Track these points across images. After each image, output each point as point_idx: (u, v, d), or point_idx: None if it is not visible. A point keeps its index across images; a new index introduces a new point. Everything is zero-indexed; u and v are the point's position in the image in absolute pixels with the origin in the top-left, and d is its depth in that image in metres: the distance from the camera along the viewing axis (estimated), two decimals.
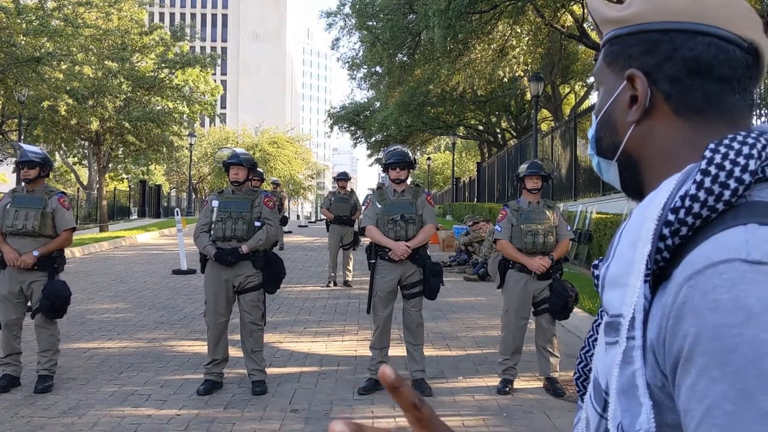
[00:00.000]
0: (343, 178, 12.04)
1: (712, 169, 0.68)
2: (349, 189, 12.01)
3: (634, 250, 0.70)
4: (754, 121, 0.81)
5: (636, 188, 0.85)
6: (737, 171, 0.67)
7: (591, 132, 0.90)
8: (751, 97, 0.80)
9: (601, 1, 0.88)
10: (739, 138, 0.70)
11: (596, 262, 0.82)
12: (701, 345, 0.61)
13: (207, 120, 56.21)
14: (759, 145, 0.69)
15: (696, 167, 0.69)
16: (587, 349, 0.87)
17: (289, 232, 24.51)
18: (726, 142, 0.70)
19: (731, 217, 0.66)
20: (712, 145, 0.70)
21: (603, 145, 0.87)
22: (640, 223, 0.70)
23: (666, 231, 0.68)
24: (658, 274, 0.68)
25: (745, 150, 0.69)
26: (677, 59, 0.78)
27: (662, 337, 0.65)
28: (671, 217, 0.68)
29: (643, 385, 0.66)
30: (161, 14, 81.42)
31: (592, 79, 24.97)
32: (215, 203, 5.65)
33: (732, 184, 0.67)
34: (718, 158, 0.68)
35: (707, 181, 0.67)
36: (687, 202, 0.67)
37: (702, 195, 0.67)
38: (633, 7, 0.82)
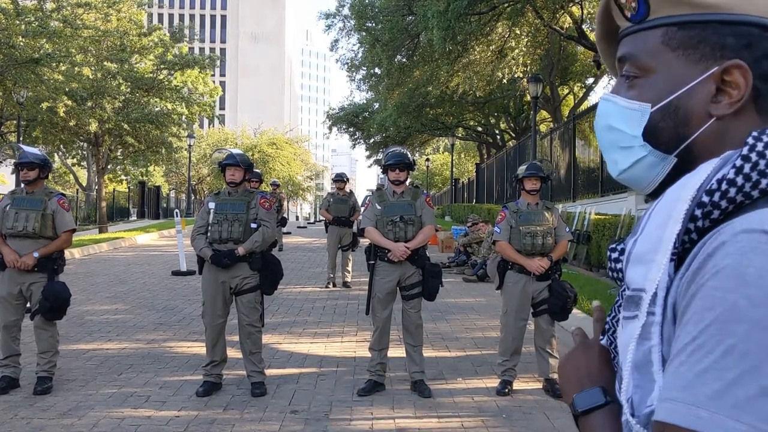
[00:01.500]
0: (341, 179, 12.04)
1: (753, 156, 0.68)
2: (347, 190, 12.00)
3: (663, 229, 0.71)
4: None
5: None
6: None
7: (630, 123, 0.83)
8: None
9: None
10: None
11: (613, 245, 0.82)
12: (692, 303, 0.64)
13: (206, 121, 56.18)
14: None
15: (736, 153, 0.70)
16: (612, 330, 0.90)
17: (288, 233, 24.50)
18: None
19: (763, 203, 0.67)
20: (755, 133, 0.70)
21: (660, 137, 0.81)
22: (673, 203, 0.71)
23: (698, 212, 0.68)
24: (682, 254, 0.69)
25: None
26: None
27: (679, 303, 0.67)
28: (705, 199, 0.68)
29: (659, 362, 0.68)
30: (160, 15, 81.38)
31: (591, 80, 25.07)
32: (211, 205, 5.65)
33: None
34: (760, 146, 0.68)
35: (747, 167, 0.68)
36: (723, 186, 0.68)
37: (740, 180, 0.67)
38: None
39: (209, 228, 5.57)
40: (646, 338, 0.69)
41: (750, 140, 0.69)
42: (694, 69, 0.78)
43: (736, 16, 0.76)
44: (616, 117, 0.84)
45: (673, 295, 0.68)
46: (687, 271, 0.67)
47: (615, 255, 0.82)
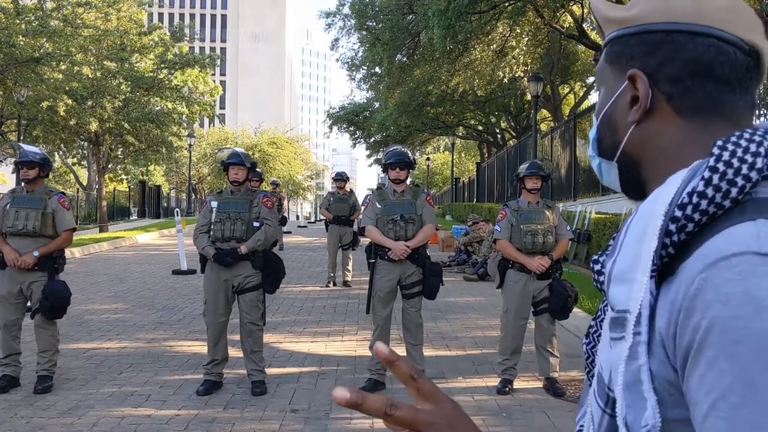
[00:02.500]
0: (341, 178, 12.04)
1: (720, 167, 0.68)
2: (348, 189, 12.01)
3: (640, 246, 0.70)
4: (754, 121, 0.81)
5: (637, 189, 0.85)
6: (745, 168, 0.67)
7: (592, 133, 0.90)
8: (753, 98, 0.80)
9: (604, 2, 0.88)
10: (746, 136, 0.70)
11: (596, 256, 0.82)
12: (711, 338, 0.61)
13: (206, 120, 56.22)
14: (766, 143, 0.69)
15: (703, 164, 0.70)
16: (592, 345, 0.87)
17: (289, 232, 24.50)
18: (733, 139, 0.70)
19: (738, 213, 0.66)
20: (720, 143, 0.70)
21: (603, 146, 0.87)
22: (647, 219, 0.71)
23: (672, 227, 0.68)
24: (662, 269, 0.68)
25: (753, 148, 0.69)
26: (678, 60, 0.78)
27: (672, 332, 0.66)
28: (678, 213, 0.68)
29: (648, 381, 0.67)
30: (160, 14, 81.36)
31: (591, 79, 25.18)
32: (214, 204, 5.65)
33: (740, 181, 0.67)
34: (726, 155, 0.68)
35: (715, 178, 0.67)
36: (695, 199, 0.67)
37: (710, 192, 0.67)
38: (636, 8, 0.82)
39: (212, 227, 5.58)
40: (634, 358, 0.68)
41: (716, 150, 0.69)
42: (618, 81, 0.83)
43: (640, 27, 0.81)
44: (591, 131, 0.91)
45: (662, 318, 0.66)
46: (676, 296, 0.65)
47: (597, 267, 0.83)
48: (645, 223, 0.71)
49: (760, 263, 0.61)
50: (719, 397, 0.60)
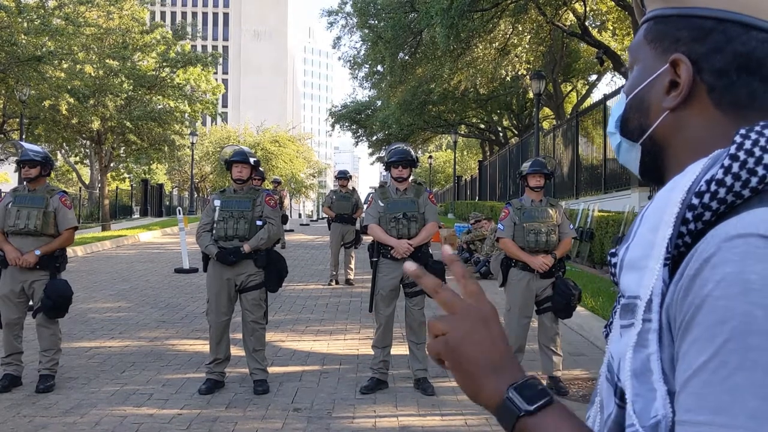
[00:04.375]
0: (343, 176, 12.03)
1: (741, 155, 0.66)
2: (350, 187, 12.00)
3: (655, 234, 0.69)
4: None
5: (655, 174, 0.83)
6: (767, 158, 0.66)
7: (616, 110, 0.86)
8: None
9: None
10: None
11: (613, 250, 0.81)
12: (698, 316, 0.61)
13: (208, 119, 56.16)
14: None
15: (724, 152, 0.68)
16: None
17: (291, 230, 24.50)
18: (757, 129, 0.68)
19: (756, 202, 0.65)
20: (743, 131, 0.68)
21: (629, 126, 0.84)
22: (663, 207, 0.69)
23: (689, 215, 0.67)
24: (677, 258, 0.67)
25: None
26: (728, 52, 0.74)
27: (673, 312, 0.65)
28: (695, 201, 0.66)
29: (658, 370, 0.66)
30: (162, 13, 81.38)
31: (594, 77, 25.07)
32: (217, 202, 5.64)
33: (760, 171, 0.65)
34: (748, 144, 0.67)
35: (735, 166, 0.66)
36: (713, 187, 0.66)
37: (729, 180, 0.65)
38: None
39: (215, 225, 5.57)
40: (644, 345, 0.67)
41: (738, 138, 0.67)
42: (657, 62, 0.79)
43: (691, 10, 0.76)
44: (616, 106, 0.88)
45: (667, 301, 0.66)
46: (682, 278, 0.65)
47: (615, 260, 0.81)
48: (661, 211, 0.69)
49: (762, 246, 0.60)
50: (693, 374, 0.60)
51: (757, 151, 0.66)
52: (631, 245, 0.73)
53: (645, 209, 0.73)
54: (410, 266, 0.80)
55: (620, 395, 0.71)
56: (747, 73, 0.74)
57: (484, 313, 0.77)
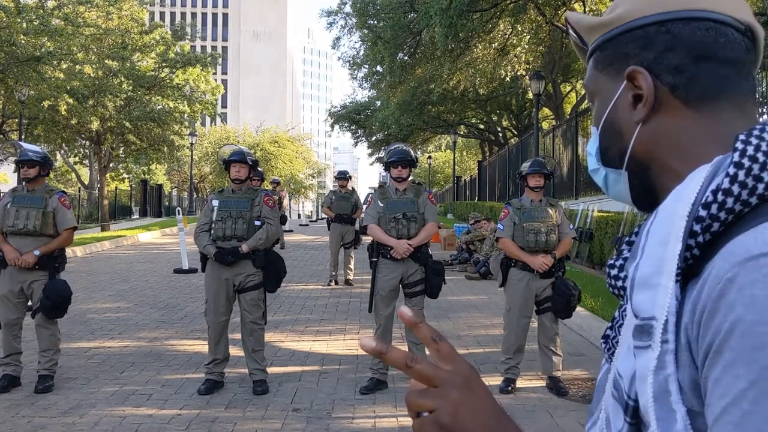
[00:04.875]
0: (343, 176, 12.03)
1: (746, 162, 0.65)
2: (350, 188, 12.01)
3: (664, 249, 0.67)
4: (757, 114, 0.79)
5: (649, 197, 0.82)
6: None
7: (592, 146, 0.86)
8: (753, 81, 0.78)
9: (581, 14, 0.86)
10: None
11: (611, 261, 0.79)
12: (731, 341, 0.59)
13: (208, 119, 56.18)
14: None
15: (726, 159, 0.66)
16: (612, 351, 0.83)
17: (290, 231, 24.50)
18: (756, 133, 0.67)
19: (765, 210, 0.63)
20: (742, 137, 0.67)
21: (609, 155, 0.83)
22: (670, 220, 0.68)
23: (697, 227, 0.65)
24: (686, 271, 0.66)
25: None
26: (679, 48, 0.76)
27: (695, 333, 0.63)
28: (702, 213, 0.65)
29: (676, 391, 0.64)
30: (162, 13, 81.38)
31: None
32: (215, 202, 5.63)
33: (766, 177, 0.64)
34: (750, 150, 0.65)
35: (741, 174, 0.64)
36: (720, 197, 0.64)
37: (736, 189, 0.64)
38: (619, 8, 0.80)
39: (213, 225, 5.56)
40: (662, 368, 0.65)
41: (739, 145, 0.66)
42: (614, 84, 0.81)
43: (630, 24, 0.78)
44: (590, 145, 0.88)
45: (685, 321, 0.64)
46: (701, 298, 0.63)
47: (614, 272, 0.79)
48: (668, 225, 0.67)
49: None
50: (731, 402, 0.58)
51: (761, 157, 0.64)
52: (641, 262, 0.70)
53: (650, 223, 0.71)
54: (406, 312, 0.73)
55: (631, 413, 0.69)
56: (705, 62, 0.75)
57: (466, 377, 0.72)
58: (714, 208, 0.64)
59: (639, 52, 0.78)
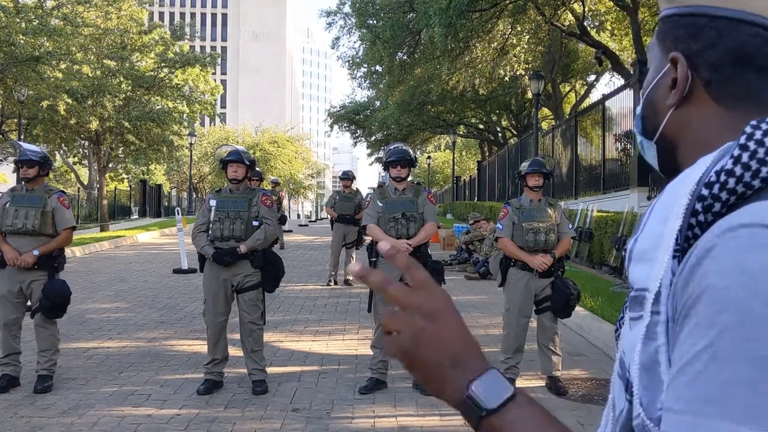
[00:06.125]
0: (347, 177, 12.07)
1: (752, 145, 0.66)
2: (354, 188, 12.05)
3: (664, 225, 0.69)
4: None
5: (673, 172, 0.83)
6: None
7: (639, 108, 0.89)
8: None
9: None
10: None
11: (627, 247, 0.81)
12: (698, 305, 0.61)
13: (207, 119, 56.17)
14: None
15: (734, 144, 0.67)
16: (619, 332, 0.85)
17: (290, 231, 24.49)
18: None
19: (766, 194, 0.64)
20: (753, 122, 0.68)
21: (646, 125, 0.86)
22: (673, 198, 0.69)
23: (698, 206, 0.66)
24: (687, 250, 0.67)
25: None
26: (720, 47, 0.76)
27: (674, 301, 0.65)
28: (705, 192, 0.66)
29: (666, 362, 0.65)
30: (161, 13, 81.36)
31: (592, 78, 25.08)
32: (213, 203, 5.61)
33: None
34: (758, 134, 0.66)
35: (745, 156, 0.65)
36: (722, 177, 0.65)
37: (738, 170, 0.65)
38: None
39: (210, 226, 5.55)
40: (652, 338, 0.67)
41: (748, 129, 0.67)
42: (662, 61, 0.82)
43: (686, 9, 0.79)
44: (641, 105, 0.90)
45: (672, 292, 0.66)
46: (684, 266, 0.64)
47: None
48: (671, 203, 0.69)
49: (764, 236, 0.60)
50: (687, 362, 0.60)
51: None
52: (640, 237, 0.73)
53: (655, 201, 0.73)
54: (354, 267, 0.74)
55: (631, 390, 0.70)
56: (741, 66, 0.76)
57: (434, 305, 0.73)
58: (716, 188, 0.65)
59: (687, 39, 0.79)
